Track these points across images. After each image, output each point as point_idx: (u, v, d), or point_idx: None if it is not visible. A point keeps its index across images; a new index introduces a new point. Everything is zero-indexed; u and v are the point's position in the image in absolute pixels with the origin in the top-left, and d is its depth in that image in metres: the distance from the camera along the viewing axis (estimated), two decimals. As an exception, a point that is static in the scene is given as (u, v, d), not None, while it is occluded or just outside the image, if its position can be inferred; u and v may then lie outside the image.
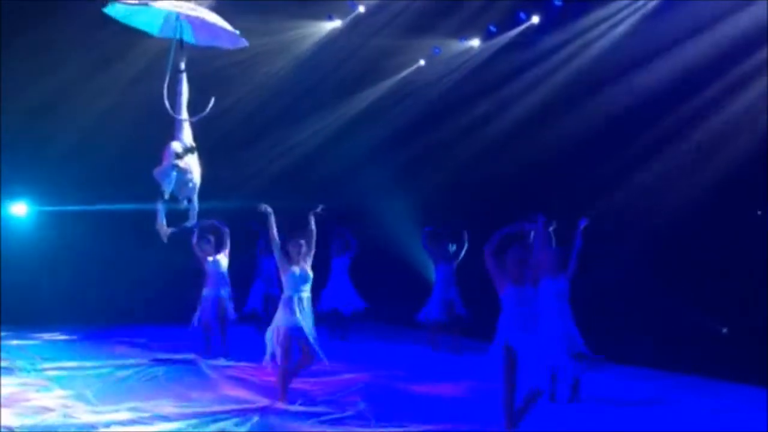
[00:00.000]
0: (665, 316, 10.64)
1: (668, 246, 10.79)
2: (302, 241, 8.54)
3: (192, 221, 7.38)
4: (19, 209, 14.22)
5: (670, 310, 10.56)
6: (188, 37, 7.43)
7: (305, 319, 8.36)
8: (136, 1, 7.02)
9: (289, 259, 8.50)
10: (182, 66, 7.29)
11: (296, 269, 8.46)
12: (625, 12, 11.28)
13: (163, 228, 7.11)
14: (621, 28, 11.33)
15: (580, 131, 11.76)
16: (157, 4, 7.03)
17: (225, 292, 11.21)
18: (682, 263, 10.65)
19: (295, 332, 8.29)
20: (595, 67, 11.74)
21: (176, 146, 7.10)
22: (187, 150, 7.15)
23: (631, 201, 11.19)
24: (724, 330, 10.25)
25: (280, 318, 8.41)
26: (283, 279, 8.53)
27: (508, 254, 7.07)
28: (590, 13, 11.50)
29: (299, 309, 8.36)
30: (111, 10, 7.18)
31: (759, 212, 10.03)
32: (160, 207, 7.04)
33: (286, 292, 8.46)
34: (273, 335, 8.38)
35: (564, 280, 8.49)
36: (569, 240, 8.69)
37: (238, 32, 7.30)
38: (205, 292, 11.18)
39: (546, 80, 12.46)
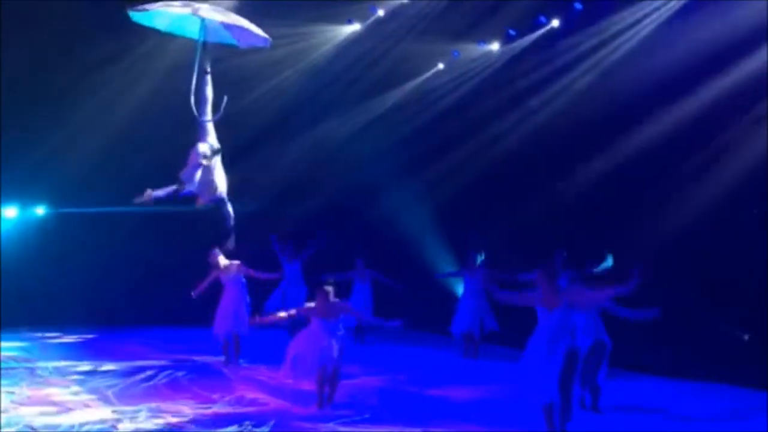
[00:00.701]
0: (684, 323, 10.55)
1: (686, 252, 10.71)
2: (330, 288, 8.33)
3: (230, 221, 7.42)
4: (38, 211, 14.35)
5: (690, 316, 10.47)
6: (227, 38, 7.49)
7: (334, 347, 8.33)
8: (159, 7, 7.07)
9: (316, 307, 8.32)
10: (208, 68, 7.33)
11: (326, 319, 8.29)
12: (647, 14, 11.19)
13: (150, 194, 6.94)
14: (643, 31, 11.24)
15: (599, 134, 11.70)
16: (179, 10, 7.08)
17: (243, 306, 10.92)
18: (700, 269, 10.57)
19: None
20: (616, 70, 11.67)
21: (204, 148, 7.17)
22: (214, 152, 7.22)
23: (648, 205, 11.13)
24: (746, 336, 10.16)
25: (310, 346, 8.30)
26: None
27: (536, 280, 7.20)
28: (611, 16, 11.42)
29: (329, 343, 8.29)
30: (141, 18, 7.25)
31: (755, 211, 9.96)
32: (170, 187, 7.04)
33: (317, 328, 8.35)
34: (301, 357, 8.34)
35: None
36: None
37: (262, 32, 7.34)
38: (223, 304, 10.92)
39: (566, 84, 12.39)
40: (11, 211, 14.07)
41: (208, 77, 7.31)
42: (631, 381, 9.89)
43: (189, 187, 7.03)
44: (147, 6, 7.12)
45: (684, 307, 10.38)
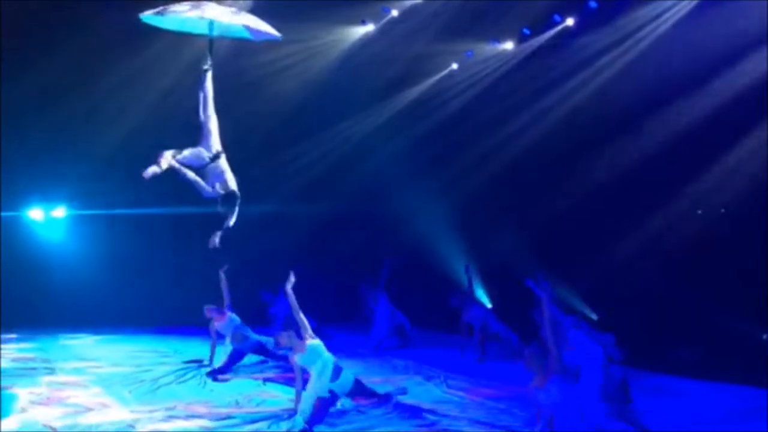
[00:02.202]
0: (703, 324, 10.48)
1: (704, 252, 10.63)
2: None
3: (230, 221, 7.46)
4: (58, 213, 14.46)
5: (709, 317, 10.40)
6: (237, 33, 7.53)
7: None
8: (174, 12, 7.13)
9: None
10: (206, 65, 7.34)
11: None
12: (662, 12, 11.11)
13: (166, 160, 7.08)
14: (658, 30, 11.17)
15: (614, 134, 11.65)
16: (192, 14, 7.13)
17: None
18: (718, 269, 10.49)
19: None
20: (631, 69, 11.60)
21: (193, 152, 7.27)
22: (212, 158, 7.26)
23: (665, 206, 11.08)
24: (765, 336, 10.08)
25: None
26: None
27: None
28: (626, 14, 11.35)
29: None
30: (153, 20, 7.33)
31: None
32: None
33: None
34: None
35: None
36: None
37: (271, 30, 7.38)
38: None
39: (581, 82, 12.34)
40: (37, 214, 14.19)
41: (208, 75, 7.32)
42: (642, 381, 9.80)
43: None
44: (158, 10, 7.18)
45: (698, 306, 10.33)
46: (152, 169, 6.95)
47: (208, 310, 10.59)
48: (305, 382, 7.86)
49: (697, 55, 10.44)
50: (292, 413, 7.99)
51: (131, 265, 14.30)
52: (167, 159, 7.02)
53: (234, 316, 10.56)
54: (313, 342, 7.87)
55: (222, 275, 10.74)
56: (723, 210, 10.31)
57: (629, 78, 11.56)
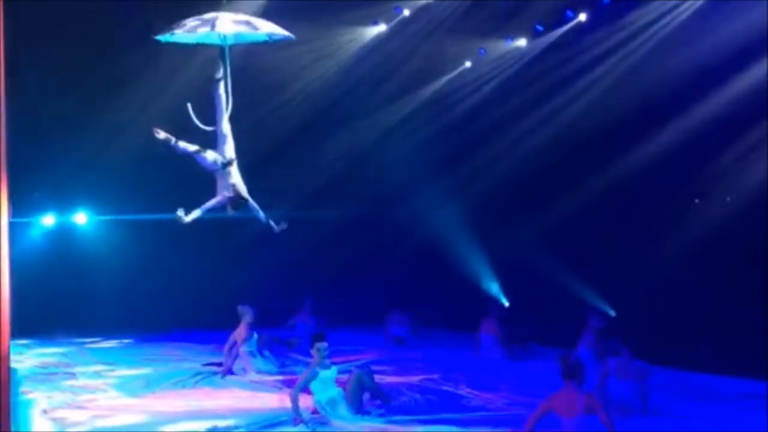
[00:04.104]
0: (721, 317, 10.41)
1: (722, 246, 10.55)
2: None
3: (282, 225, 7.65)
4: (80, 218, 14.57)
5: (726, 310, 10.32)
6: (256, 37, 7.59)
7: None
8: (184, 31, 7.16)
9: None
10: (218, 74, 7.37)
11: None
12: (676, 7, 11.06)
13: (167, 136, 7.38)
14: (671, 26, 11.11)
15: (627, 130, 11.60)
16: (200, 30, 7.16)
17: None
18: (736, 263, 10.41)
19: None
20: (645, 65, 11.55)
21: (213, 156, 7.33)
22: (225, 164, 7.33)
23: (681, 199, 11.01)
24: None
25: None
26: None
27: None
28: (639, 10, 11.31)
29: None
30: (168, 38, 7.39)
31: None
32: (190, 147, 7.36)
33: None
34: None
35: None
36: None
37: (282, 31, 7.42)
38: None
39: (594, 79, 12.30)
40: (48, 219, 14.30)
41: (220, 84, 7.36)
42: (663, 378, 9.73)
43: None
44: (171, 29, 7.23)
45: (720, 301, 10.25)
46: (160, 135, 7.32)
47: (244, 311, 10.60)
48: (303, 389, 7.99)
49: (713, 49, 10.36)
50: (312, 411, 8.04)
51: (149, 268, 14.37)
52: (162, 133, 7.30)
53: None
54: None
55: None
56: (728, 199, 10.22)
57: (643, 73, 11.50)
